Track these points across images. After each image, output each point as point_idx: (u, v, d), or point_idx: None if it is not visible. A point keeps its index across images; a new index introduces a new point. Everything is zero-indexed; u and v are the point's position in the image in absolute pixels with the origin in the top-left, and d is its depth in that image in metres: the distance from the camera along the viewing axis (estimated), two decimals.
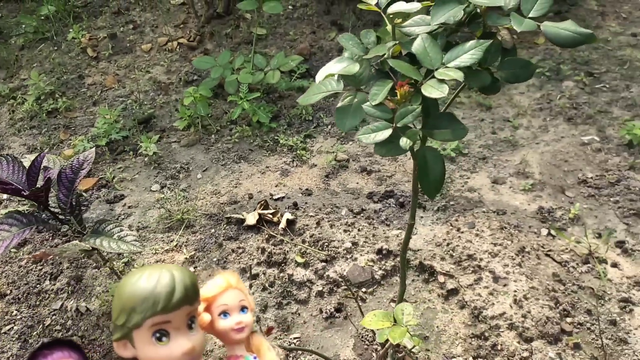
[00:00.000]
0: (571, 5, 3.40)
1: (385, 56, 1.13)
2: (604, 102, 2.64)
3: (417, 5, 1.18)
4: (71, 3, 3.58)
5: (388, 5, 1.20)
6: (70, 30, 3.30)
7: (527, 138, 2.50)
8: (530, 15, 1.12)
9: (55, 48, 3.25)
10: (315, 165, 2.44)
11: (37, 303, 1.95)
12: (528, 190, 2.23)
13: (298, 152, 2.49)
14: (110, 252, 1.92)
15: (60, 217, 1.62)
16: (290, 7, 3.49)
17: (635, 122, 2.44)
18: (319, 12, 3.41)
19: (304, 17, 3.38)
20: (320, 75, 1.17)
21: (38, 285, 2.00)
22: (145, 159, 2.49)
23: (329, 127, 2.65)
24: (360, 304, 1.85)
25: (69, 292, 1.97)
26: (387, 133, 1.07)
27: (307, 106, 2.68)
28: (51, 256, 2.04)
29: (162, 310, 0.87)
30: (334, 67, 1.16)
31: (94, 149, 1.67)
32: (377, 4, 1.21)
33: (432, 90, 1.03)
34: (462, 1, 1.08)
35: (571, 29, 1.12)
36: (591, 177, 2.26)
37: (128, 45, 3.25)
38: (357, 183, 2.34)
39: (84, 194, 2.36)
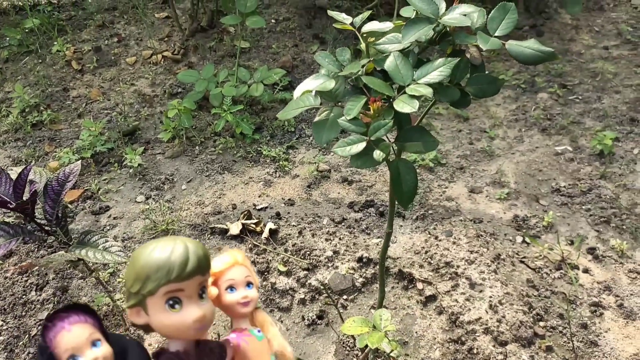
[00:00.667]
0: (546, 19, 3.51)
1: (359, 73, 1.19)
2: (577, 113, 2.74)
3: (389, 25, 1.24)
4: (55, 16, 3.62)
5: (362, 24, 1.27)
6: (55, 43, 3.33)
7: (503, 148, 2.58)
8: (496, 34, 1.19)
9: (40, 61, 3.28)
10: (298, 176, 2.49)
11: (23, 314, 1.97)
12: (503, 199, 2.30)
13: (281, 163, 2.55)
14: (96, 263, 1.95)
15: (47, 228, 1.66)
16: (273, 20, 3.56)
17: (606, 133, 2.53)
18: (301, 26, 3.48)
19: (286, 31, 3.45)
20: (297, 92, 1.23)
21: (24, 296, 2.02)
22: (130, 171, 2.53)
23: (311, 138, 2.71)
24: (341, 311, 1.90)
25: (55, 302, 2.00)
26: (361, 146, 1.13)
27: (289, 118, 2.74)
28: (37, 267, 2.07)
29: (176, 278, 0.92)
30: (311, 83, 1.22)
31: (79, 161, 1.71)
32: (352, 24, 1.28)
33: (404, 106, 1.09)
34: (432, 21, 1.15)
35: (534, 47, 1.19)
36: (564, 186, 2.34)
37: (113, 58, 3.29)
38: (339, 193, 2.40)
39: (69, 205, 2.39)
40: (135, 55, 3.30)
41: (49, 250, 2.18)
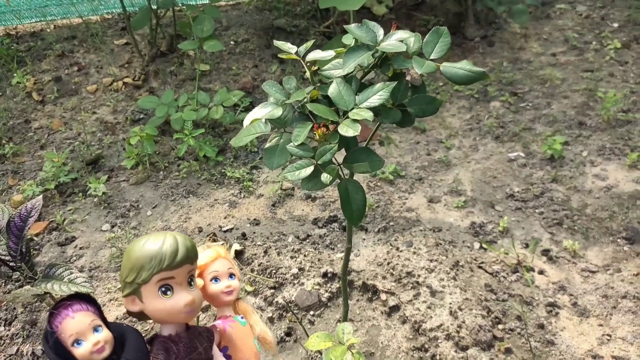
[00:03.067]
0: (496, 29, 3.64)
1: (305, 100, 1.25)
2: (528, 120, 2.85)
3: (331, 54, 1.31)
4: (14, 48, 3.61)
5: (307, 53, 1.33)
6: (15, 75, 3.33)
7: (459, 157, 2.67)
8: (431, 57, 1.27)
9: (0, 94, 3.27)
10: (262, 195, 2.54)
11: None
12: (461, 207, 2.39)
13: (245, 183, 2.59)
14: (62, 295, 1.96)
15: (11, 264, 1.67)
16: (232, 42, 3.61)
17: (555, 137, 2.64)
18: (260, 46, 3.55)
19: (246, 52, 3.51)
20: (247, 120, 1.29)
21: None
22: (95, 200, 2.55)
23: None
24: (308, 326, 1.95)
25: (24, 336, 2.00)
26: (309, 170, 1.19)
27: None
28: (4, 302, 2.07)
29: (168, 267, 1.04)
30: (260, 112, 1.27)
31: (41, 196, 1.73)
32: (296, 53, 1.34)
33: (347, 130, 1.16)
34: (371, 47, 1.22)
35: (466, 68, 1.27)
36: (518, 191, 2.44)
37: (73, 87, 3.30)
38: (303, 210, 2.45)
39: (35, 238, 2.39)
40: (96, 83, 3.31)
41: (15, 284, 2.18)
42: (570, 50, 3.41)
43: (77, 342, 1.03)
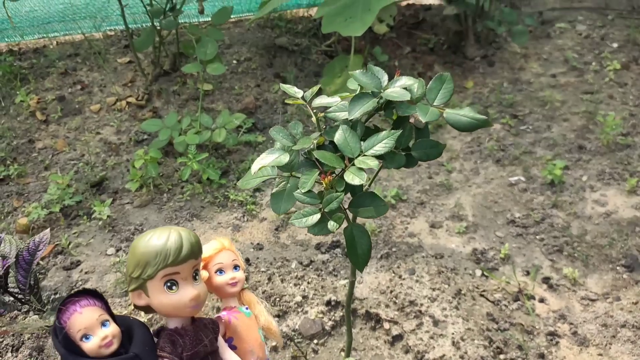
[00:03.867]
0: (497, 49, 3.67)
1: (311, 147, 1.27)
2: (528, 143, 2.88)
3: (337, 100, 1.34)
4: (17, 65, 3.64)
5: (312, 98, 1.36)
6: (18, 93, 3.35)
7: (460, 181, 2.70)
8: (435, 103, 1.29)
9: (4, 113, 3.30)
10: (265, 219, 2.57)
11: None
12: (462, 232, 2.41)
13: (248, 206, 2.61)
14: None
15: (20, 297, 1.70)
16: (234, 61, 3.64)
17: (555, 162, 2.67)
18: (262, 66, 3.58)
19: (248, 71, 3.54)
20: (255, 167, 1.31)
21: (0, 359, 2.04)
22: (100, 223, 2.57)
23: (276, 179, 2.78)
24: (312, 355, 1.97)
25: None
26: (316, 218, 1.22)
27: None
28: (11, 332, 2.09)
29: (172, 262, 1.06)
30: (267, 158, 1.30)
31: (48, 229, 1.75)
32: (302, 97, 1.37)
33: (353, 177, 1.18)
34: (376, 94, 1.25)
35: (469, 115, 1.29)
36: (518, 217, 2.46)
37: (77, 106, 3.32)
38: (306, 234, 2.47)
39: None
40: (100, 103, 3.34)
41: (22, 311, 2.19)
42: (570, 71, 3.44)
43: (86, 336, 1.06)
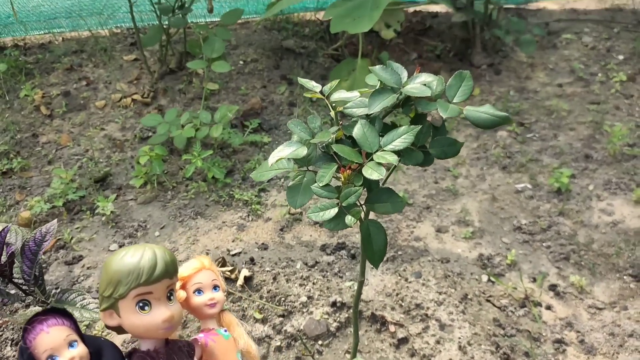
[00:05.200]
0: (503, 57, 3.68)
1: (330, 141, 1.26)
2: (535, 151, 2.87)
3: (356, 94, 1.33)
4: (23, 60, 3.62)
5: (331, 93, 1.35)
6: (23, 87, 3.33)
7: (466, 187, 2.69)
8: (454, 101, 1.28)
9: (8, 106, 3.28)
10: (270, 219, 2.55)
11: None
12: (469, 237, 2.40)
13: (253, 206, 2.60)
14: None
15: (24, 288, 1.66)
16: (241, 62, 3.64)
17: (562, 170, 2.67)
18: (269, 67, 3.57)
19: (254, 72, 3.53)
20: (272, 159, 1.29)
21: None
22: (103, 219, 2.54)
23: (282, 180, 2.77)
24: (316, 356, 1.94)
25: None
26: (334, 212, 1.20)
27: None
28: (10, 322, 2.06)
29: (145, 282, 1.02)
30: (285, 150, 1.28)
31: (55, 220, 1.72)
32: (321, 92, 1.35)
33: (372, 172, 1.17)
34: (396, 90, 1.24)
35: (490, 112, 1.28)
36: (525, 224, 2.45)
37: (82, 102, 3.31)
38: (311, 235, 2.46)
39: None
40: (105, 99, 3.32)
41: (22, 303, 2.17)
42: (577, 82, 3.44)
43: (52, 357, 1.01)
